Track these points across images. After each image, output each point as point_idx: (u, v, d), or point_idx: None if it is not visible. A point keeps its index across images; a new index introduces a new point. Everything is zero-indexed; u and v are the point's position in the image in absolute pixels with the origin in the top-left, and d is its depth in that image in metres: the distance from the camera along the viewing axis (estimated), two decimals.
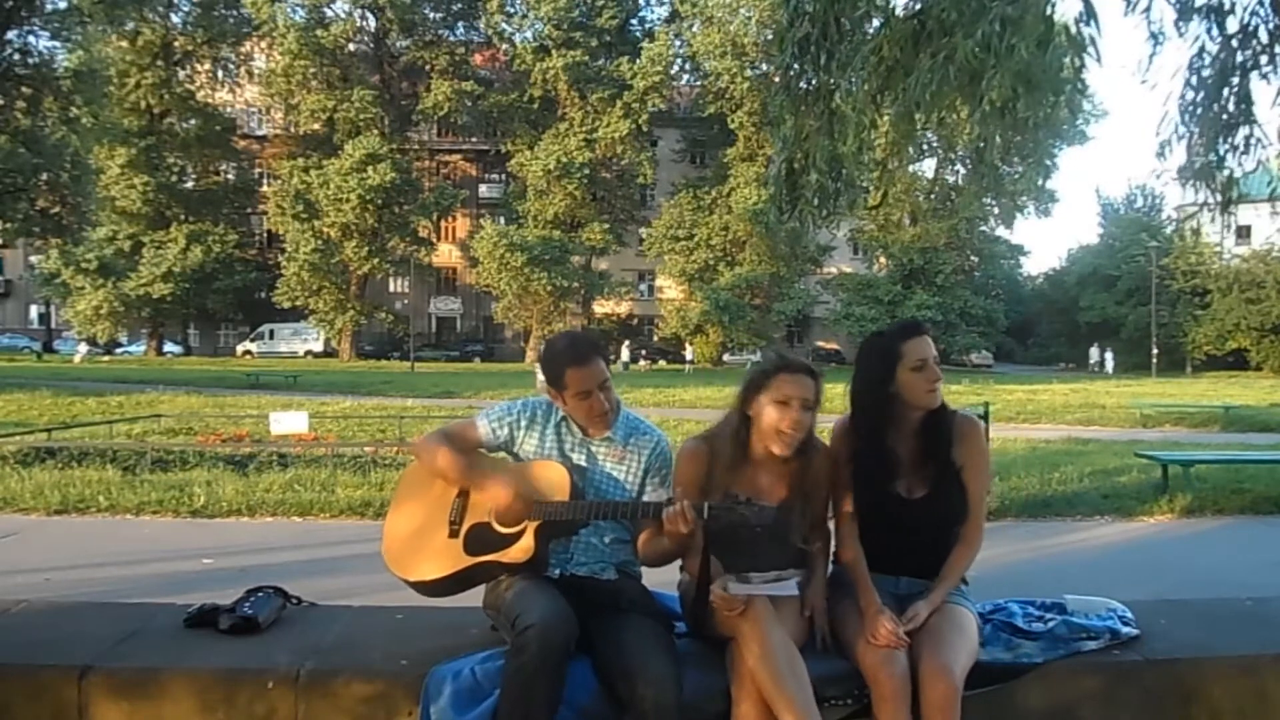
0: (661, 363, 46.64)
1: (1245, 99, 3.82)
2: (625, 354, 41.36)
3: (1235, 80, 3.79)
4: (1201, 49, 3.83)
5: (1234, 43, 3.80)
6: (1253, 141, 3.84)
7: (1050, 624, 2.75)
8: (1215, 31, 3.81)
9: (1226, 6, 3.81)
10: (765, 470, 2.61)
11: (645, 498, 2.68)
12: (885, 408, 2.60)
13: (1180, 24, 3.87)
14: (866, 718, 2.42)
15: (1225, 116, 3.81)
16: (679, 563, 2.68)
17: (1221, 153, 3.89)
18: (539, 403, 2.79)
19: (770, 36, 36.23)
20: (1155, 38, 3.88)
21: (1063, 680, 2.60)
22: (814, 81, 4.39)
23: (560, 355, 2.67)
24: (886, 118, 4.30)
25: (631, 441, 2.73)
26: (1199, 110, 3.79)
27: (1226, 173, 3.95)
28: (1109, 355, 45.24)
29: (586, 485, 2.67)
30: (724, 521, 2.35)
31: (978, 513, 2.65)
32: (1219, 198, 4.02)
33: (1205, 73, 3.79)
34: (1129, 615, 2.85)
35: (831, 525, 2.73)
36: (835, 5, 4.09)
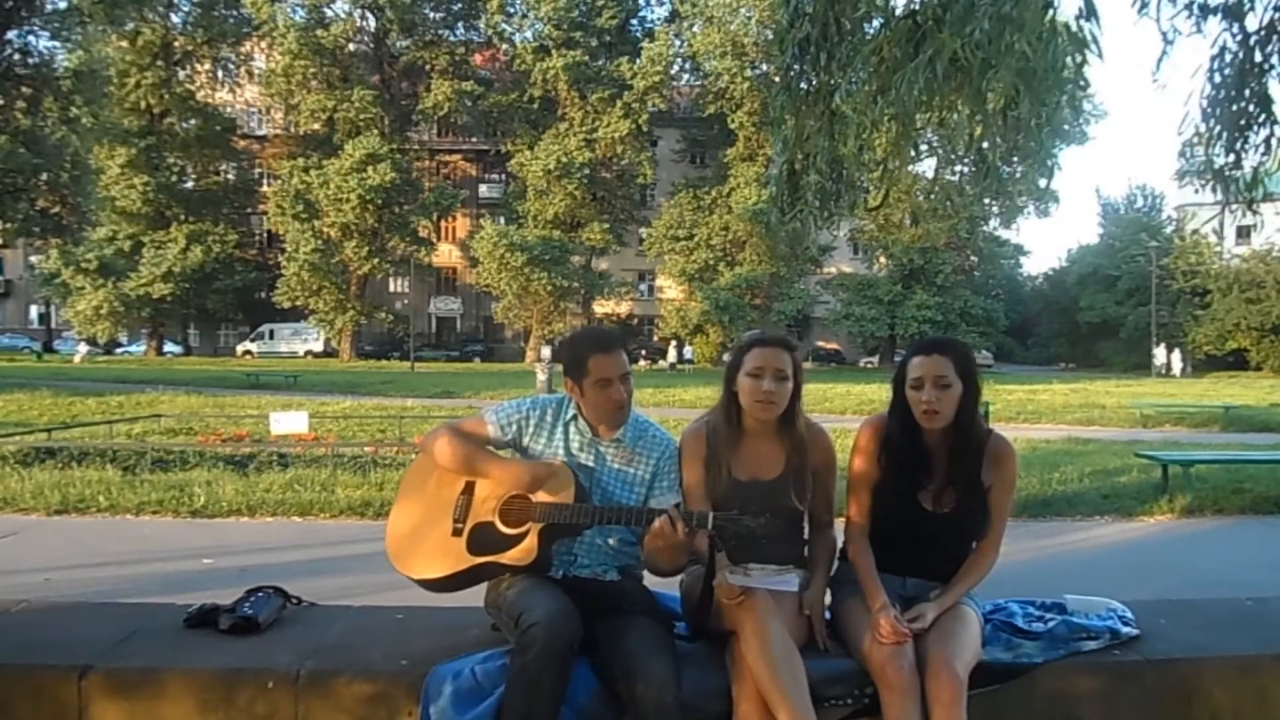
0: (661, 363, 46.67)
1: (1265, 98, 3.79)
2: (672, 354, 42.28)
3: (1254, 80, 3.76)
4: (1222, 48, 3.80)
5: (1253, 41, 3.77)
6: (1274, 142, 3.82)
7: (1050, 624, 2.75)
8: (1237, 29, 3.78)
9: (1246, 5, 3.78)
10: (760, 444, 2.68)
11: (653, 500, 2.68)
12: (905, 418, 2.62)
13: (1200, 23, 3.85)
14: (868, 717, 2.42)
15: (1245, 116, 3.78)
16: None
17: (1240, 152, 3.87)
18: (549, 400, 2.79)
19: (770, 36, 36.24)
20: (1166, 37, 3.85)
21: (1063, 680, 2.60)
22: (814, 82, 4.39)
23: (584, 341, 2.71)
24: (887, 118, 4.30)
25: (640, 444, 2.73)
26: (1219, 110, 3.76)
27: (1247, 172, 3.94)
28: (1176, 356, 42.64)
29: (593, 486, 2.67)
30: (728, 533, 2.38)
31: (998, 529, 2.66)
32: (1243, 197, 4.01)
33: (1225, 73, 3.76)
34: (1129, 615, 2.86)
35: (840, 522, 2.74)
36: (835, 6, 4.08)
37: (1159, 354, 43.75)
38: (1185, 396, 22.80)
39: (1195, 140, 3.81)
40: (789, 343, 2.71)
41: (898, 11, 4.10)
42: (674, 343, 44.28)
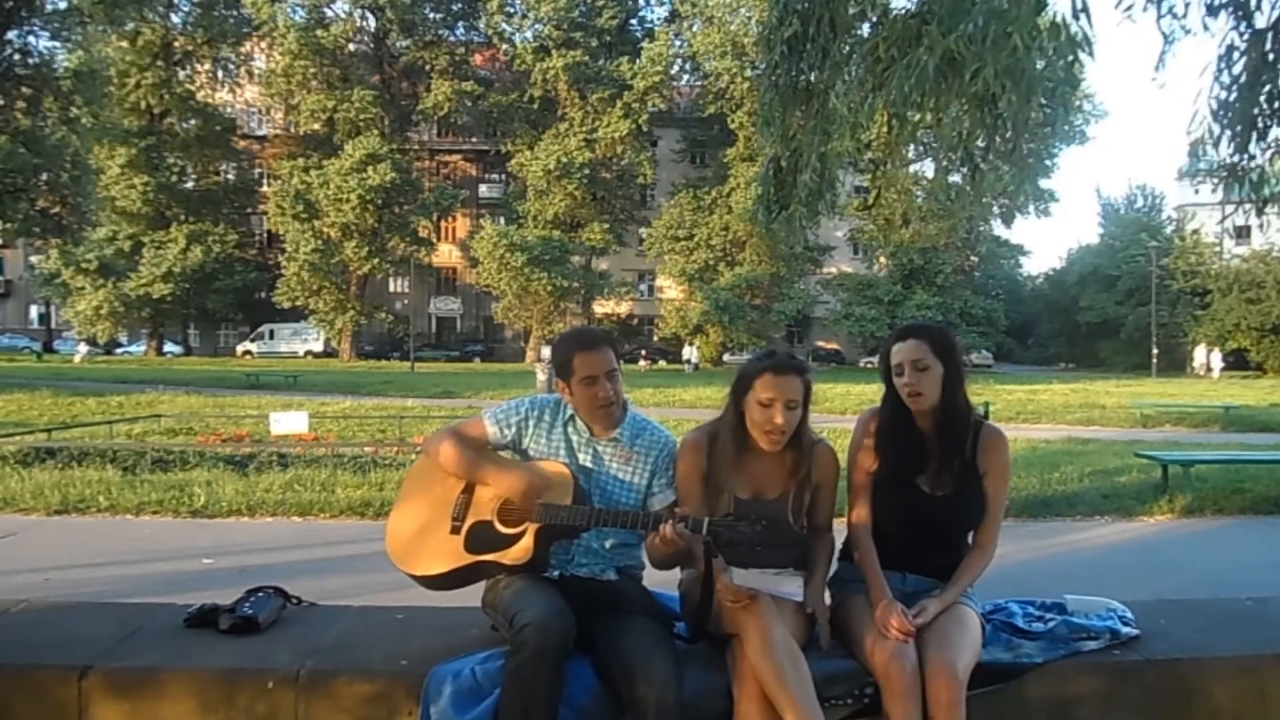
0: (662, 363, 46.67)
1: (1277, 97, 3.76)
2: (690, 355, 42.63)
3: (1266, 78, 3.72)
4: (1230, 47, 3.77)
5: (1264, 39, 3.73)
6: None
7: (1050, 624, 2.75)
8: (1245, 27, 3.75)
9: (1254, 2, 3.75)
10: (764, 463, 2.64)
11: (652, 498, 2.69)
12: (896, 405, 2.68)
13: (1206, 21, 3.82)
14: (867, 717, 2.43)
15: (1257, 115, 3.75)
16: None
17: (1252, 151, 3.84)
18: (548, 401, 2.80)
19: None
20: (1167, 36, 3.83)
21: (1063, 680, 2.60)
22: (802, 80, 4.37)
23: (569, 341, 2.73)
24: (885, 116, 4.28)
25: (639, 442, 2.73)
26: (1229, 109, 3.73)
27: (1259, 172, 3.91)
28: (1216, 356, 41.28)
29: (592, 486, 2.67)
30: (724, 539, 2.37)
31: (995, 520, 2.68)
32: (1253, 197, 3.99)
33: (1234, 71, 3.73)
34: (1129, 615, 2.85)
35: (841, 524, 2.74)
36: (826, 3, 4.07)
37: (1199, 354, 43.02)
38: (1185, 396, 22.80)
39: (1205, 139, 3.78)
40: (802, 367, 2.63)
41: (892, 11, 4.09)
42: (690, 344, 44.43)
